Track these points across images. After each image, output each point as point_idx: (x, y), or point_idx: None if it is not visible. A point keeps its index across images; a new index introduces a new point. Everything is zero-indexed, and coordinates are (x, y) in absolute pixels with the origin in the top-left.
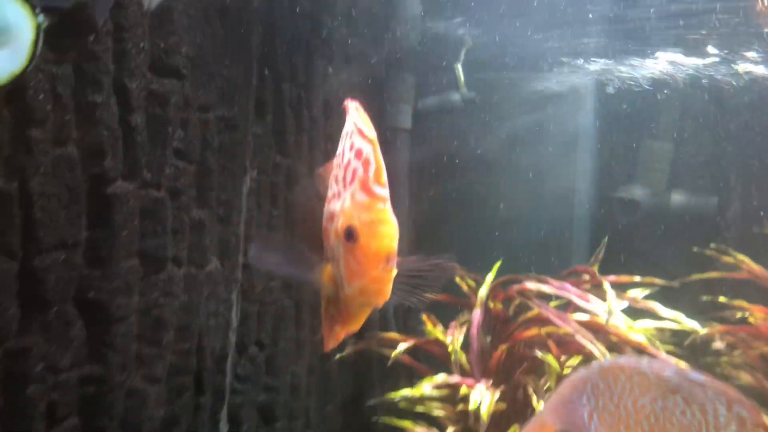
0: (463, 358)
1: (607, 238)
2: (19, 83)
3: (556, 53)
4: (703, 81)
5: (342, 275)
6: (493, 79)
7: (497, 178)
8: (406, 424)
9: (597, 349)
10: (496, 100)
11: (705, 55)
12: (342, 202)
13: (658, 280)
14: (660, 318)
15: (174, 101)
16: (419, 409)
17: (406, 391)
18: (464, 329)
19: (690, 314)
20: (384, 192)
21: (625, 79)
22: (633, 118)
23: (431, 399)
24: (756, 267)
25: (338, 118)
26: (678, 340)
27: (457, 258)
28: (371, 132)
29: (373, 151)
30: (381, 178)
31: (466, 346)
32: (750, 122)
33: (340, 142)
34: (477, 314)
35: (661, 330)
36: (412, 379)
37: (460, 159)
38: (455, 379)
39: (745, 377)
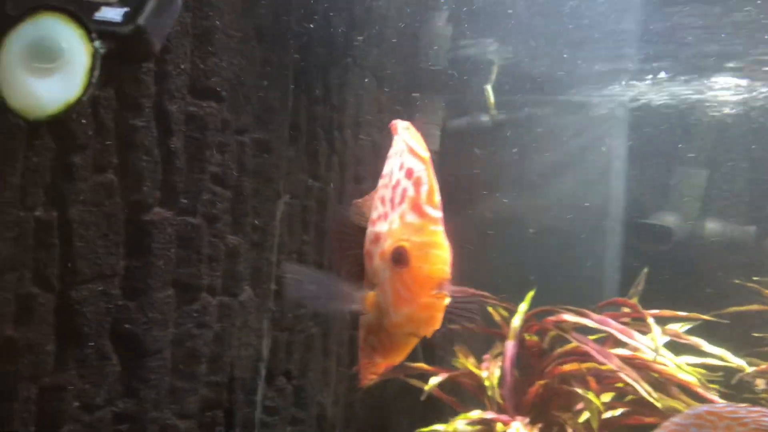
0: (496, 392)
1: (647, 269)
2: None
3: (588, 76)
4: (742, 106)
5: (388, 301)
6: (524, 101)
7: (527, 203)
8: None
9: (642, 388)
10: (527, 123)
11: (743, 79)
12: (390, 224)
13: (702, 316)
14: (703, 354)
15: (212, 124)
16: None
17: (438, 427)
18: (498, 362)
19: (725, 348)
20: (437, 214)
21: (660, 103)
22: (667, 143)
23: None
24: None
25: (368, 140)
26: (718, 377)
27: (487, 285)
28: (424, 151)
29: (425, 170)
30: (434, 198)
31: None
32: None
33: (387, 162)
34: (511, 346)
35: (707, 366)
36: (439, 409)
37: (489, 182)
38: (490, 415)
39: None
